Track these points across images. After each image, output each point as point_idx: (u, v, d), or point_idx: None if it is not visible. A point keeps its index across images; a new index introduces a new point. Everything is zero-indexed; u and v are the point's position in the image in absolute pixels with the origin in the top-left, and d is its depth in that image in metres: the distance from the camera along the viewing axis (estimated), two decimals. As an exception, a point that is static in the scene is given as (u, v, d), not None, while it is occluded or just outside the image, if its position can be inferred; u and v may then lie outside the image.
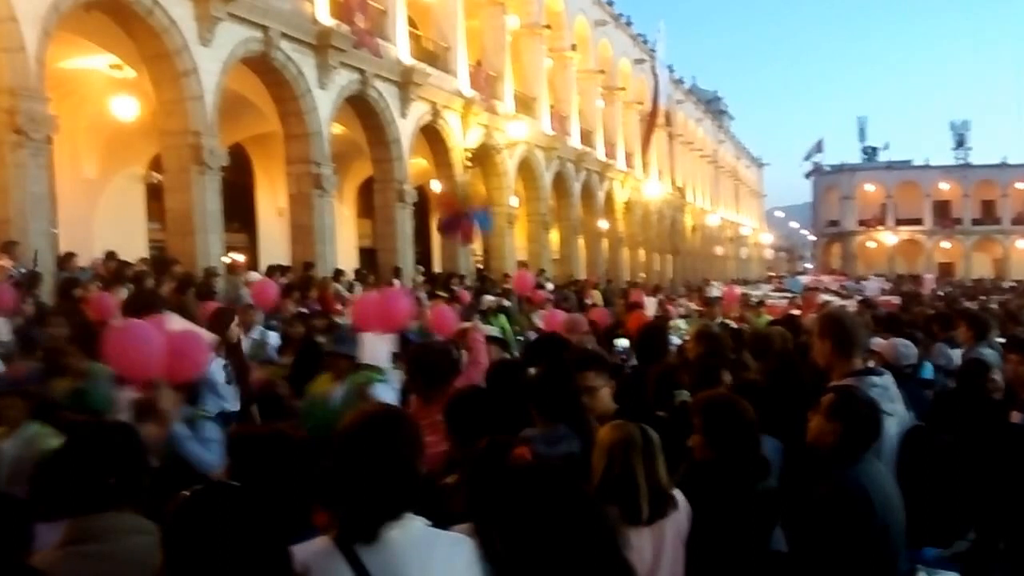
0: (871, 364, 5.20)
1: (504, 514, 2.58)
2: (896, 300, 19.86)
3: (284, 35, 16.92)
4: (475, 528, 2.71)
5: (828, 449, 3.82)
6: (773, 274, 60.37)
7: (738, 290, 17.26)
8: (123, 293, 11.09)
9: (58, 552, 2.67)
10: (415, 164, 23.48)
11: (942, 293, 28.65)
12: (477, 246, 27.83)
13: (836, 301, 18.28)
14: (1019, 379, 5.77)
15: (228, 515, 2.15)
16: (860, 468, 3.73)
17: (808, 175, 79.06)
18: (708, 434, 3.85)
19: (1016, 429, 5.47)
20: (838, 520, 3.60)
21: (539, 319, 10.41)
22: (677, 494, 3.50)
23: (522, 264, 29.19)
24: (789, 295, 21.94)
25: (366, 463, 2.42)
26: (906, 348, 7.00)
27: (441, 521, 2.61)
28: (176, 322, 5.95)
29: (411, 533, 2.43)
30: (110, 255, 15.20)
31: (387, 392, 6.03)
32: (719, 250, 55.06)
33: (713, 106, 69.16)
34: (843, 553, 3.57)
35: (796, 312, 13.46)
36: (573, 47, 33.31)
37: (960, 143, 78.41)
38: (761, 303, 16.94)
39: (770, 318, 12.62)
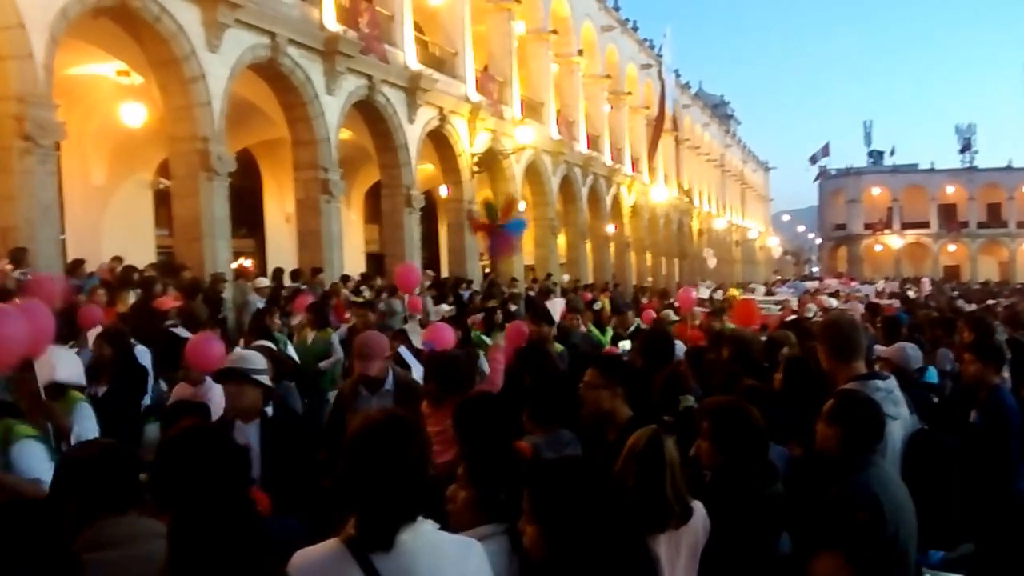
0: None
1: (548, 508, 2.57)
2: (897, 304, 19.72)
3: (291, 41, 16.97)
4: (507, 528, 2.72)
5: (834, 454, 3.82)
6: (779, 277, 60.22)
7: (693, 293, 15.47)
8: (131, 298, 11.12)
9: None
10: (422, 169, 23.52)
11: (912, 294, 28.45)
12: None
13: (838, 305, 18.20)
14: (976, 379, 5.82)
15: (229, 521, 2.17)
16: (870, 473, 3.71)
17: (816, 179, 79.01)
18: (716, 439, 3.84)
19: (973, 427, 5.54)
20: (848, 526, 3.59)
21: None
22: (696, 505, 3.47)
23: (529, 267, 29.28)
24: (783, 300, 21.49)
25: (379, 468, 2.41)
26: (914, 351, 7.02)
27: (446, 526, 2.63)
28: None
29: (422, 537, 2.42)
30: (116, 259, 15.15)
31: (38, 455, 4.06)
32: (722, 253, 54.69)
33: (720, 110, 69.19)
34: (853, 559, 3.57)
35: (791, 317, 13.06)
36: (580, 52, 33.36)
37: (966, 146, 78.10)
38: (723, 309, 13.88)
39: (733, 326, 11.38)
